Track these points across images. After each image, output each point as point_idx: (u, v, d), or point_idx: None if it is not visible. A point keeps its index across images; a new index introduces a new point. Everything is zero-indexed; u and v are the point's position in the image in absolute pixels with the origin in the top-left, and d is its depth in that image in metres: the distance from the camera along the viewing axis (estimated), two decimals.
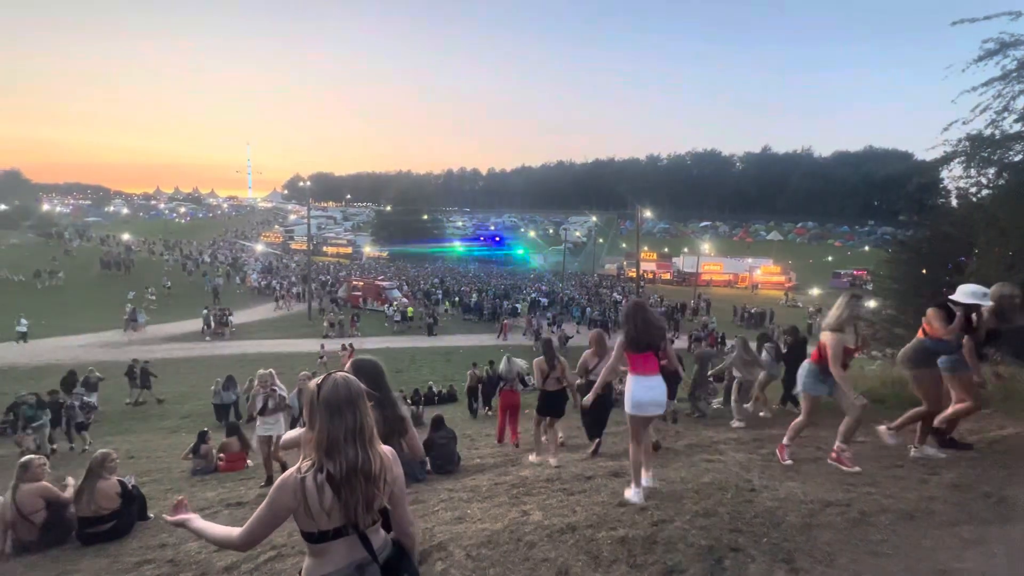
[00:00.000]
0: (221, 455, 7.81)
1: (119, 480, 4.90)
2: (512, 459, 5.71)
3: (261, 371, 6.55)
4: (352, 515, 1.73)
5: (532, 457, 5.47)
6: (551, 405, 5.71)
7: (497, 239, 68.71)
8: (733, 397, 7.57)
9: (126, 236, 52.34)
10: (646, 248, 55.40)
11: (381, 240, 70.33)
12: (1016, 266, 6.61)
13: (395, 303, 29.93)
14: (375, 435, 1.81)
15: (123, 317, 25.64)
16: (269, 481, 6.05)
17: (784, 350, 7.95)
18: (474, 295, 33.74)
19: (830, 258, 61.49)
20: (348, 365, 2.76)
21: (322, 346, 20.39)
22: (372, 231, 77.97)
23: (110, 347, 21.62)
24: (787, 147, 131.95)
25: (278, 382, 6.63)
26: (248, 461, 7.92)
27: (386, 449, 1.87)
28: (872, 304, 11.83)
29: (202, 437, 7.76)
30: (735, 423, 7.06)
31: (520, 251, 67.08)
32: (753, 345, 8.18)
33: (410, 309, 29.23)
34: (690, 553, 2.97)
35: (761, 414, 7.58)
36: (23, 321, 22.95)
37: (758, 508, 3.48)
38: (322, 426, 1.72)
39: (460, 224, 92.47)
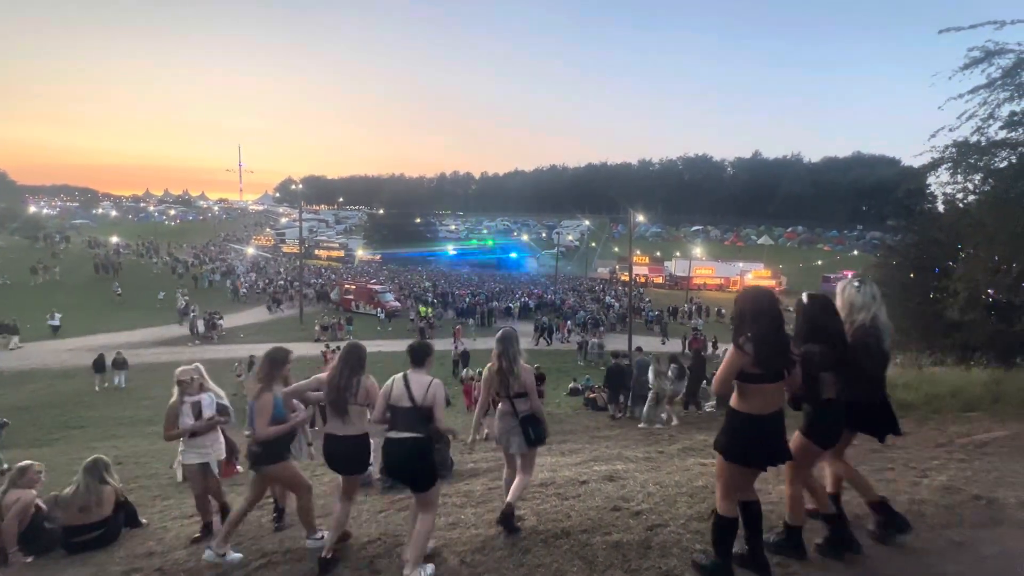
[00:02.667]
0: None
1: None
2: (503, 464, 5.63)
3: (183, 368, 4.46)
4: (505, 390, 3.61)
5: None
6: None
7: (490, 243, 68.64)
8: (648, 404, 9.22)
9: (114, 239, 51.68)
10: (638, 252, 55.63)
11: (374, 243, 70.24)
12: (1002, 271, 6.71)
13: (388, 306, 29.96)
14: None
15: (187, 316, 26.37)
16: (207, 529, 4.29)
17: (687, 369, 10.48)
18: (467, 298, 33.68)
19: (820, 262, 62.08)
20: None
21: (328, 347, 19.55)
22: (364, 234, 77.87)
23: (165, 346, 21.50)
24: (777, 152, 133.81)
25: (210, 383, 4.62)
26: (238, 467, 7.81)
27: (525, 366, 3.68)
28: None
29: None
30: (641, 425, 8.74)
31: (513, 254, 67.32)
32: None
33: (424, 309, 29.79)
34: (685, 558, 2.95)
35: (673, 422, 9.08)
36: (56, 315, 23.43)
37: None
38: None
39: (453, 228, 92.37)
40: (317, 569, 3.28)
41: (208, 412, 4.46)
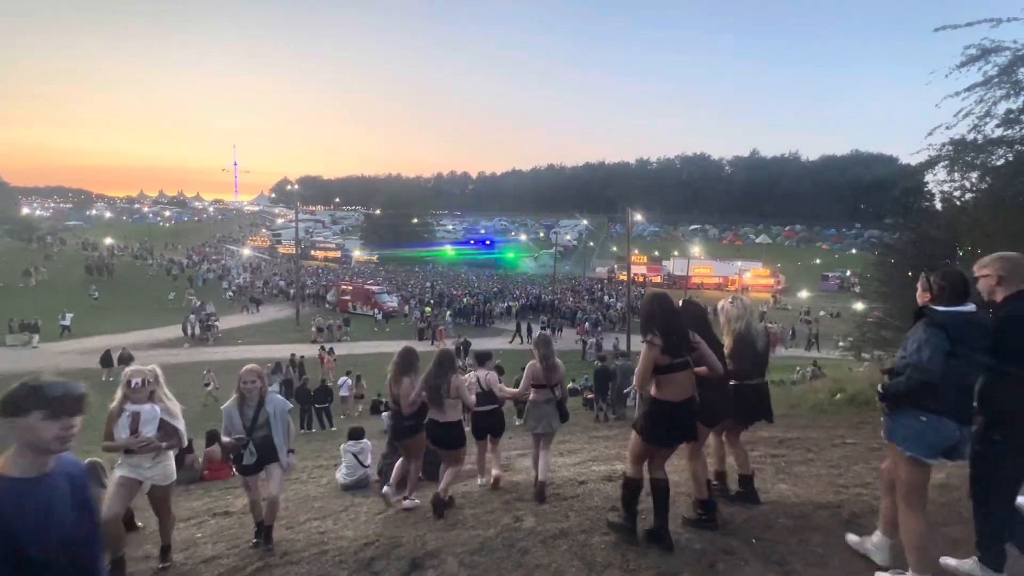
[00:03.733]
0: (206, 466, 7.69)
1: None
2: (506, 464, 5.69)
3: (133, 369, 3.69)
4: (550, 380, 4.52)
5: (479, 480, 4.91)
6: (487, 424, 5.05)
7: (488, 242, 68.62)
8: (635, 405, 9.87)
9: (108, 240, 51.53)
10: (636, 251, 55.73)
11: (370, 244, 70.15)
12: None
13: (385, 307, 30.17)
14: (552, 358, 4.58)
15: (198, 315, 26.63)
16: (116, 568, 3.49)
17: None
18: (465, 298, 33.82)
19: (818, 261, 62.38)
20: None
21: (324, 348, 19.64)
22: (361, 235, 77.74)
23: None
24: (776, 151, 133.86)
25: (165, 393, 3.75)
26: (233, 470, 7.78)
27: (558, 362, 4.61)
28: (859, 306, 12.09)
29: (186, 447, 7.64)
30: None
31: (511, 254, 67.13)
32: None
33: (428, 309, 30.37)
34: (683, 557, 2.97)
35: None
36: (67, 315, 23.98)
37: (750, 511, 3.51)
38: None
39: (450, 228, 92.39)
40: (433, 508, 4.10)
41: (146, 429, 3.57)
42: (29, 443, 1.63)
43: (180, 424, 3.74)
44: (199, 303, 29.78)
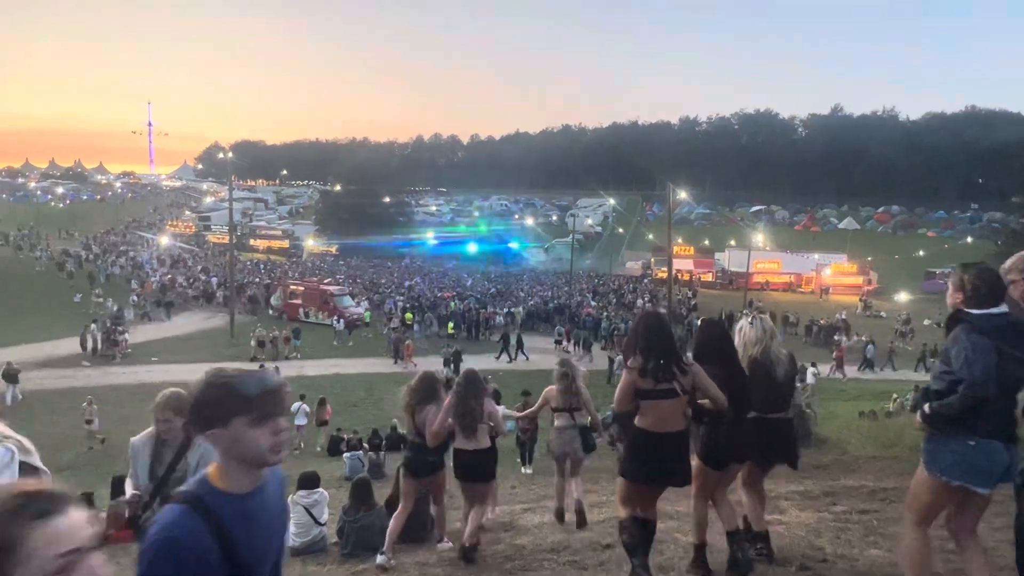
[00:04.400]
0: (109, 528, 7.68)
1: None
2: (507, 522, 5.82)
3: None
4: (567, 403, 5.60)
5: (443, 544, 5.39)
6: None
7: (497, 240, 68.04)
8: None
9: None
10: (680, 240, 55.00)
11: (328, 230, 70.39)
12: None
13: (348, 314, 30.38)
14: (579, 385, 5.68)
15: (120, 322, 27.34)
16: None
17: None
18: (453, 302, 34.08)
19: (921, 253, 62.10)
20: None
21: (264, 367, 20.05)
22: (316, 218, 77.88)
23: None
24: (864, 107, 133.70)
25: (6, 432, 2.86)
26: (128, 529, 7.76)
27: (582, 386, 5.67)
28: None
29: (86, 500, 7.69)
30: None
31: (514, 244, 67.48)
32: None
33: (411, 316, 31.33)
34: None
35: None
36: None
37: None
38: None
39: (433, 209, 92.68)
40: (462, 557, 4.69)
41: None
42: (240, 456, 1.70)
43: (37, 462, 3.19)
44: (117, 308, 30.09)
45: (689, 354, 3.72)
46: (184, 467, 3.62)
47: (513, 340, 26.48)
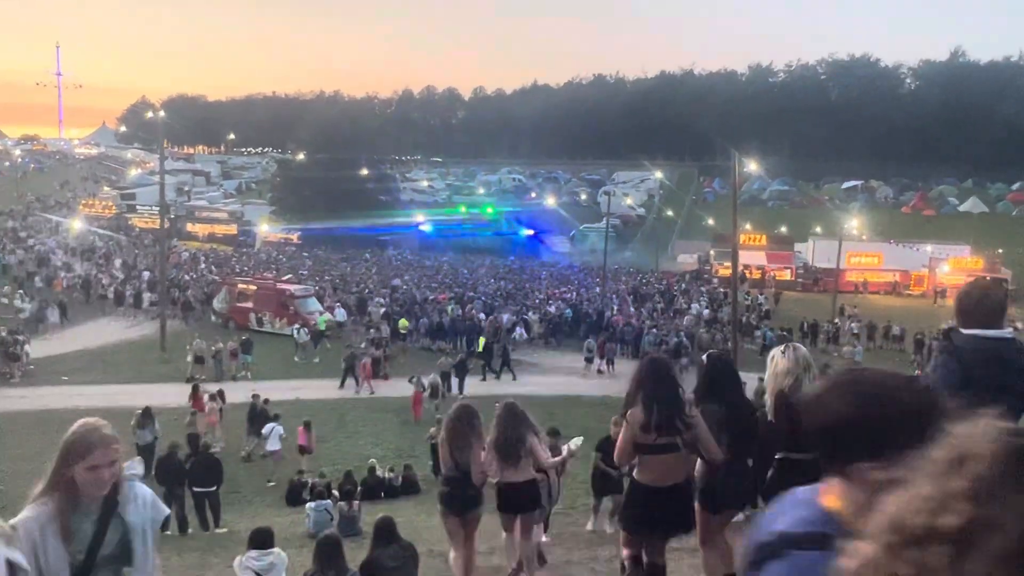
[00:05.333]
0: None
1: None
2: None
3: None
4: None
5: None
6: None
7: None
8: None
9: None
10: (749, 227, 54.38)
11: (288, 212, 70.66)
12: None
13: (313, 321, 30.60)
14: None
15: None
16: None
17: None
18: (449, 306, 34.11)
19: None
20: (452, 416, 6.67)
21: (198, 390, 20.28)
22: (272, 197, 78.23)
23: None
24: (992, 52, 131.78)
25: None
26: None
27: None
28: None
29: None
30: None
31: (529, 231, 67.32)
32: None
33: (404, 323, 31.49)
34: None
35: None
36: None
37: None
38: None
39: (425, 185, 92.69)
40: None
41: None
42: None
43: None
44: (29, 307, 30.98)
45: (690, 394, 4.54)
46: (117, 533, 3.24)
47: (497, 350, 27.17)
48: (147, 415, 17.00)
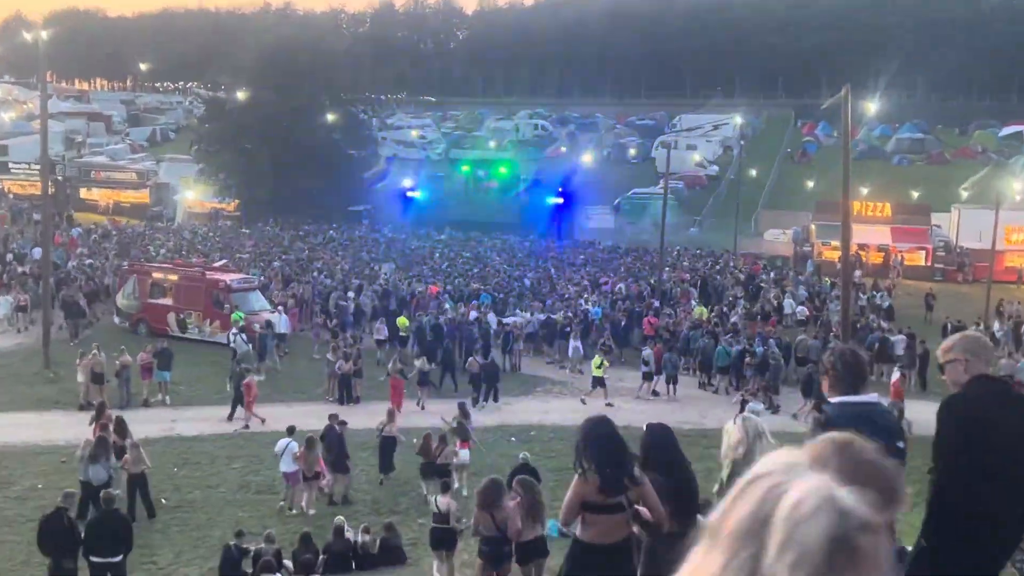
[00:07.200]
0: None
1: None
2: None
3: None
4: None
5: None
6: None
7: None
8: None
9: None
10: (866, 191, 49.33)
11: (220, 171, 59.04)
12: None
13: (252, 324, 27.82)
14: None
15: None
16: None
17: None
18: (447, 304, 32.29)
19: None
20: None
21: (95, 422, 18.64)
22: (199, 150, 63.91)
23: None
24: None
25: None
26: None
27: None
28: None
29: None
30: None
31: (557, 199, 57.79)
32: None
33: (404, 322, 30.19)
34: None
35: None
36: None
37: None
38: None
39: (414, 134, 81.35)
40: None
41: None
42: None
43: None
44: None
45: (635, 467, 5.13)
46: None
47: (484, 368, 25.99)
48: (102, 445, 16.43)
